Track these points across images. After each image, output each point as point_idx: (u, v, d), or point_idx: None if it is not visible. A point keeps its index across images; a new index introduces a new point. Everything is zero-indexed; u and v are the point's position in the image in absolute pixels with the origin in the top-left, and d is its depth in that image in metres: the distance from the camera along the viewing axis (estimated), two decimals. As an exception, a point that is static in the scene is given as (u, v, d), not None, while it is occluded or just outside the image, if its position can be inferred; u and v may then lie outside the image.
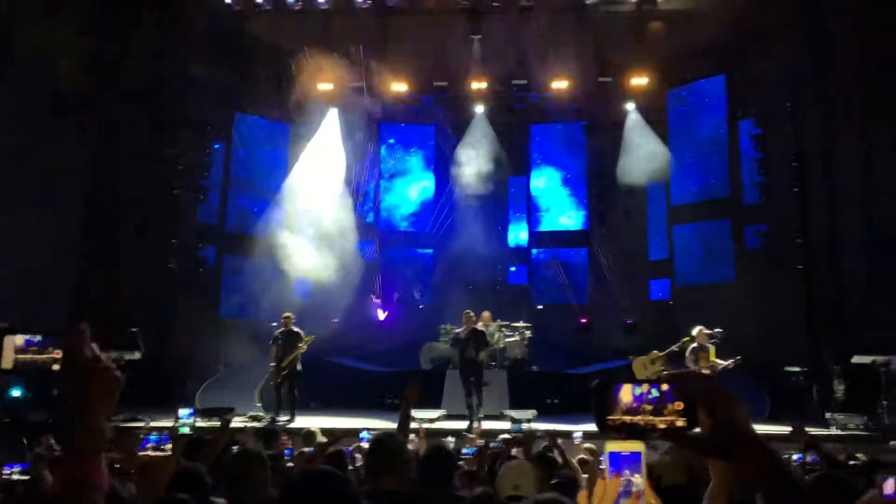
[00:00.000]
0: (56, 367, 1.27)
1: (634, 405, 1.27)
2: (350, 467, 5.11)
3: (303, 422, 10.79)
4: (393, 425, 5.10)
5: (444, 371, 13.27)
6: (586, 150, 18.21)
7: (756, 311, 13.99)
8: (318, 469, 1.94)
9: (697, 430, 1.26)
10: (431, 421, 11.02)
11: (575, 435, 8.22)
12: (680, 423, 1.27)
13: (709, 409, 1.27)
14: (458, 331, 12.38)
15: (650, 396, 1.27)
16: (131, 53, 14.59)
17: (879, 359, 10.75)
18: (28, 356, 1.31)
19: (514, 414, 11.67)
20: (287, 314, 12.02)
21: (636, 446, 1.32)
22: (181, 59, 14.80)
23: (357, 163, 17.55)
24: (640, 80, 16.29)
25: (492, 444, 6.42)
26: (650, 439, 1.29)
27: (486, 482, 4.17)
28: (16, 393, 10.37)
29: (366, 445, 5.04)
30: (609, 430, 1.29)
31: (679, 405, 1.27)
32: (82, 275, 13.73)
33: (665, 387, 1.27)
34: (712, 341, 11.25)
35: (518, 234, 18.72)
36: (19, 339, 1.32)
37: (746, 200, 15.46)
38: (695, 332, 11.06)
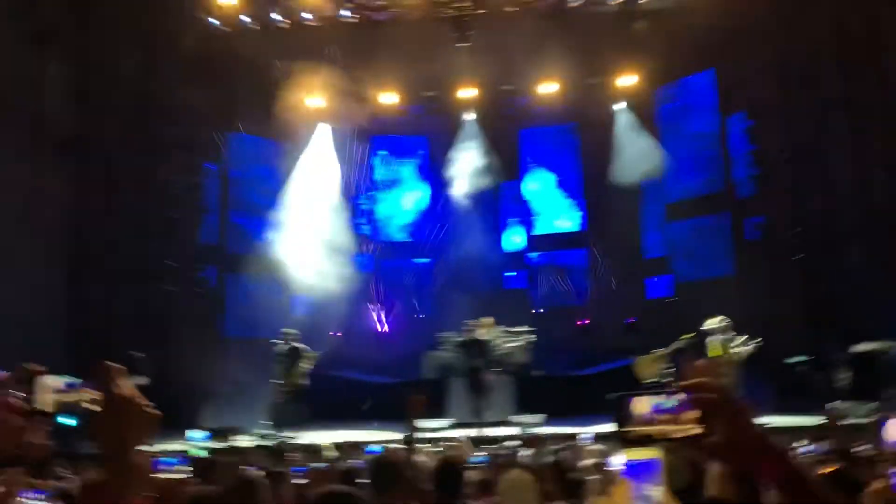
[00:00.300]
0: (93, 406, 1.29)
1: (652, 415, 1.30)
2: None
3: (310, 437, 10.79)
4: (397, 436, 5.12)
5: (448, 380, 13.29)
6: (578, 151, 18.29)
7: (757, 302, 14.01)
8: (337, 490, 1.95)
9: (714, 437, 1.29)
10: (437, 430, 11.03)
11: (582, 437, 8.23)
12: (697, 431, 1.30)
13: (722, 419, 1.29)
14: (459, 339, 12.56)
15: (666, 406, 1.30)
16: (118, 79, 14.62)
17: (884, 345, 10.77)
18: (67, 398, 1.34)
19: (523, 419, 11.71)
20: (288, 330, 12.03)
21: (652, 454, 1.35)
22: (169, 82, 14.82)
23: (350, 176, 17.62)
24: (628, 80, 16.38)
25: (501, 451, 6.43)
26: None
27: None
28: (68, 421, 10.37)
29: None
30: (630, 444, 1.31)
31: (696, 413, 1.30)
32: (76, 306, 13.69)
33: (681, 396, 1.30)
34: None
35: (513, 239, 18.75)
36: (58, 381, 1.34)
37: (742, 194, 15.53)
38: (716, 322, 11.08)
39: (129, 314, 14.09)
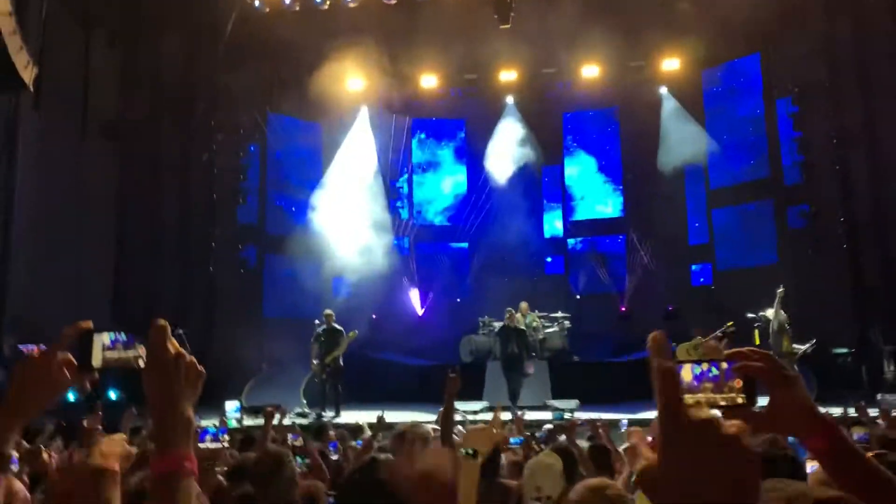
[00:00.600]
0: (142, 363, 1.32)
1: (695, 384, 1.27)
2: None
3: (348, 416, 10.91)
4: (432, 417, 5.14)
5: (484, 363, 13.32)
6: (620, 135, 18.04)
7: (800, 292, 13.71)
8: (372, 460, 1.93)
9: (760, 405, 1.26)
10: (475, 413, 11.08)
11: (621, 423, 8.18)
12: (740, 399, 1.27)
13: (770, 388, 1.27)
14: (497, 324, 12.70)
15: (711, 375, 1.27)
16: (162, 63, 14.85)
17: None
18: (115, 354, 1.36)
19: (557, 404, 11.71)
20: (328, 312, 12.15)
21: None
22: (212, 65, 15.02)
23: (389, 159, 17.67)
24: (672, 62, 16.08)
25: (537, 434, 6.42)
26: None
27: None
28: (112, 395, 10.80)
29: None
30: None
31: (738, 383, 1.27)
32: (121, 282, 14.04)
33: (724, 365, 1.27)
34: (756, 325, 11.15)
35: (553, 224, 18.62)
36: (106, 338, 1.36)
37: (787, 181, 15.18)
38: (770, 313, 10.98)
39: (172, 292, 14.41)
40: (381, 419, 6.25)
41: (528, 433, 6.41)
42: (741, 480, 0.74)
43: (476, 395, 12.19)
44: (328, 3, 14.92)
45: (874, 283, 13.48)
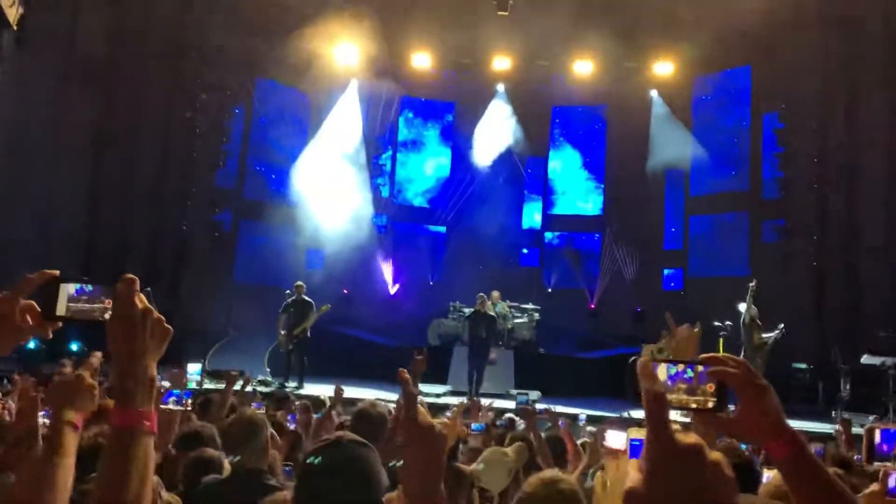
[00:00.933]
0: (107, 316, 1.28)
1: (669, 384, 1.28)
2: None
3: (311, 389, 10.89)
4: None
5: (451, 348, 13.36)
6: (606, 134, 18.10)
7: (767, 305, 13.92)
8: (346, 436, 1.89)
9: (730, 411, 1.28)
10: (437, 396, 11.14)
11: (580, 418, 8.27)
12: (710, 404, 1.28)
13: (741, 395, 1.28)
14: (468, 310, 12.74)
15: (686, 376, 1.28)
16: (154, 15, 14.56)
17: (889, 360, 10.71)
18: (79, 305, 1.32)
19: (518, 394, 11.80)
20: (299, 283, 12.08)
21: None
22: (204, 23, 14.77)
23: (375, 135, 17.55)
24: (665, 66, 16.13)
25: (498, 422, 6.46)
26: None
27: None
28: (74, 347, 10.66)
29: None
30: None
31: (711, 387, 1.29)
32: (91, 232, 13.83)
33: (700, 368, 1.28)
34: (721, 333, 11.32)
35: (532, 216, 18.67)
36: (71, 288, 1.32)
37: (766, 195, 15.37)
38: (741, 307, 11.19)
39: (141, 247, 14.21)
40: (338, 391, 6.23)
41: (490, 420, 6.46)
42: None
43: (440, 379, 12.25)
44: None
45: (838, 303, 13.73)
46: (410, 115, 18.74)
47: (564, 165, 18.58)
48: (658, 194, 17.23)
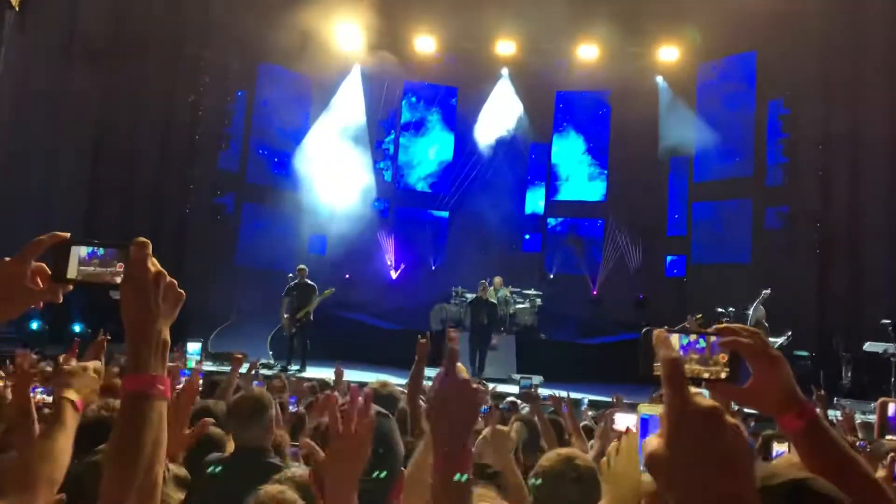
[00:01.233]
0: (119, 280, 1.26)
1: (681, 354, 1.26)
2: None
3: (313, 372, 10.91)
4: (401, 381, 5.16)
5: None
6: (610, 120, 18.00)
7: (766, 299, 13.94)
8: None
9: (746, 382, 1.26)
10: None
11: (582, 402, 8.28)
12: (723, 374, 1.27)
13: (754, 365, 1.27)
14: (470, 295, 12.79)
15: (698, 346, 1.27)
16: (155, 1, 14.49)
17: (892, 347, 10.71)
18: (91, 268, 1.29)
19: (521, 378, 11.83)
20: (302, 266, 12.07)
21: None
22: (205, 7, 14.67)
23: (378, 119, 17.49)
24: (670, 52, 16.04)
25: (501, 406, 6.47)
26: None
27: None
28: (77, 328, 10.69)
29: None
30: (654, 378, 1.28)
31: (724, 357, 1.27)
32: (92, 213, 13.81)
33: (712, 338, 1.27)
34: (724, 319, 11.32)
35: (535, 202, 18.62)
36: (83, 251, 1.29)
37: (769, 181, 15.30)
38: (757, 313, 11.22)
39: (143, 229, 14.15)
40: (338, 371, 6.23)
41: (493, 403, 6.47)
42: (742, 468, 0.78)
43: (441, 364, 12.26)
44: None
45: (841, 291, 13.71)
46: (413, 99, 18.66)
47: (568, 151, 18.50)
48: (662, 180, 17.16)
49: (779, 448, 2.95)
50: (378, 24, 15.34)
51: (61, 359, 1.93)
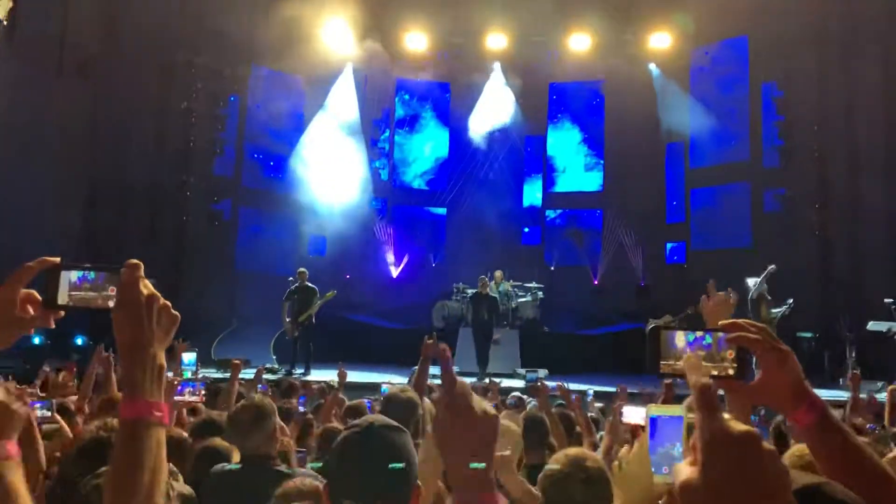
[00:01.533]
0: (111, 304, 1.23)
1: (687, 350, 1.25)
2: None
3: (318, 375, 10.89)
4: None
5: (456, 329, 13.36)
6: (605, 109, 17.94)
7: (771, 276, 13.89)
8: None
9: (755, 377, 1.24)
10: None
11: (587, 394, 8.26)
12: (731, 371, 1.25)
13: (762, 360, 1.25)
14: (471, 291, 12.76)
15: (704, 343, 1.25)
16: (146, 5, 14.42)
17: (895, 326, 10.70)
18: (82, 293, 1.27)
19: (526, 372, 11.82)
20: (302, 270, 12.05)
21: (677, 410, 1.31)
22: (196, 10, 14.62)
23: (372, 118, 17.46)
24: (662, 39, 16.00)
25: (507, 401, 6.45)
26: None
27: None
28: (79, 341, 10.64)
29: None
30: (662, 375, 1.27)
31: (731, 353, 1.25)
32: (89, 225, 13.77)
33: (719, 334, 1.25)
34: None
35: (533, 195, 18.59)
36: (73, 275, 1.27)
37: (766, 164, 15.28)
38: (751, 281, 11.20)
39: (141, 239, 14.15)
40: (342, 373, 6.19)
41: (500, 399, 6.46)
42: (782, 495, 0.75)
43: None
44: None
45: (842, 271, 13.69)
46: (407, 96, 18.61)
47: (563, 142, 18.46)
48: (658, 168, 17.13)
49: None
50: (368, 22, 15.31)
51: (60, 377, 1.90)
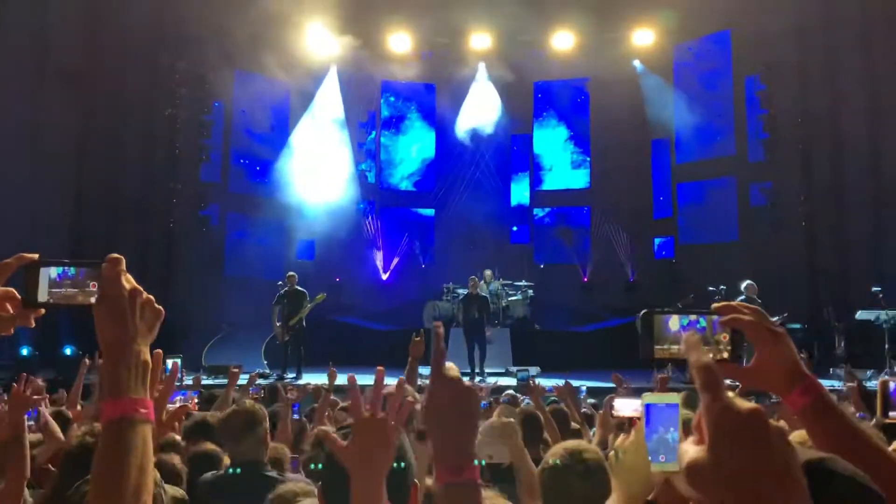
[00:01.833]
0: (93, 300, 1.20)
1: (681, 334, 1.24)
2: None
3: (309, 378, 10.84)
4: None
5: (447, 330, 13.33)
6: (590, 107, 17.98)
7: (758, 268, 13.97)
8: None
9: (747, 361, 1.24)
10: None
11: (580, 390, 8.26)
12: (725, 354, 1.24)
13: (756, 343, 1.24)
14: (462, 291, 12.77)
15: (698, 326, 1.24)
16: (129, 10, 14.32)
17: (883, 314, 10.77)
18: (63, 290, 1.23)
19: (518, 371, 11.83)
20: (291, 273, 12.02)
21: (672, 398, 1.30)
22: (180, 16, 14.53)
23: (357, 120, 17.42)
24: (645, 35, 16.06)
25: (501, 399, 6.44)
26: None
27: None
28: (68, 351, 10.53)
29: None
30: (655, 361, 1.26)
31: (724, 336, 1.25)
32: (78, 233, 13.66)
33: (713, 317, 1.24)
34: (716, 298, 11.33)
35: (521, 194, 18.61)
36: (52, 272, 1.23)
37: (751, 158, 15.36)
38: (744, 286, 11.16)
39: (129, 246, 14.04)
40: (332, 374, 6.16)
41: (493, 397, 6.45)
42: (794, 472, 0.73)
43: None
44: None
45: (829, 262, 13.79)
46: (392, 98, 18.58)
47: (550, 141, 18.49)
48: (644, 164, 17.20)
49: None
50: (351, 24, 15.27)
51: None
